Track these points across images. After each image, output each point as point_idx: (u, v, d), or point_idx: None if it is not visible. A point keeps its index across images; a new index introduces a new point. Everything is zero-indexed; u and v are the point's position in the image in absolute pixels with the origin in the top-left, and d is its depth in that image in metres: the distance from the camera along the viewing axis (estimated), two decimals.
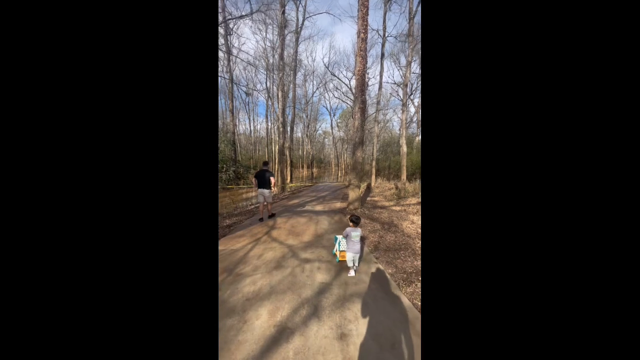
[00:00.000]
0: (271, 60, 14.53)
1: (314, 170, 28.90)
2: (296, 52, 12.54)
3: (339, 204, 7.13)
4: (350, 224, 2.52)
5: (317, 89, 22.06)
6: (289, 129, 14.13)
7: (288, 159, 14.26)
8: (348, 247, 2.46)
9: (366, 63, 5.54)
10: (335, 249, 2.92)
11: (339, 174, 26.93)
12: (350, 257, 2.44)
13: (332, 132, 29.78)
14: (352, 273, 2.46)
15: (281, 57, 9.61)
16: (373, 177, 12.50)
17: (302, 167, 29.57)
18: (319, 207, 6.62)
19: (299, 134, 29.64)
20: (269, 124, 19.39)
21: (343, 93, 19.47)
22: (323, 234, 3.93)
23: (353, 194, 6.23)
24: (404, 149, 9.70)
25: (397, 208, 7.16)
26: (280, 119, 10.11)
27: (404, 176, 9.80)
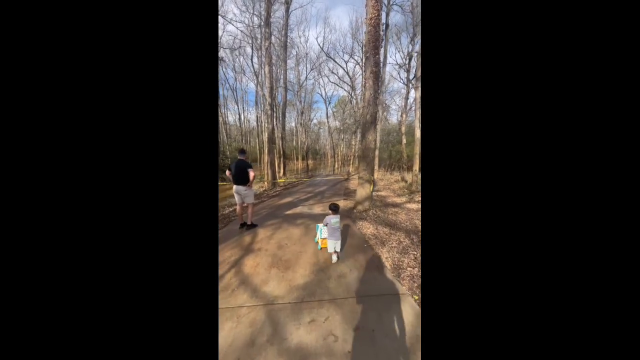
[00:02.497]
0: (259, 41, 12.60)
1: (310, 162, 27.37)
2: (286, 24, 10.73)
3: (342, 203, 5.67)
4: (330, 211, 2.52)
5: (312, 70, 20.05)
6: (280, 114, 12.44)
7: (280, 149, 12.67)
8: (329, 234, 2.44)
9: (380, 9, 3.96)
10: (317, 237, 2.92)
11: (336, 166, 25.74)
12: (332, 244, 2.44)
13: (328, 121, 27.86)
14: (334, 259, 2.43)
15: (267, 22, 7.81)
16: (376, 167, 11.06)
17: (297, 158, 27.77)
18: (318, 209, 5.14)
19: (293, 124, 27.80)
20: (259, 112, 17.56)
21: (339, 77, 17.63)
22: (329, 262, 2.47)
23: (362, 191, 4.77)
24: (417, 133, 8.14)
25: (414, 206, 5.80)
26: (269, 100, 8.39)
27: (416, 166, 8.31)
